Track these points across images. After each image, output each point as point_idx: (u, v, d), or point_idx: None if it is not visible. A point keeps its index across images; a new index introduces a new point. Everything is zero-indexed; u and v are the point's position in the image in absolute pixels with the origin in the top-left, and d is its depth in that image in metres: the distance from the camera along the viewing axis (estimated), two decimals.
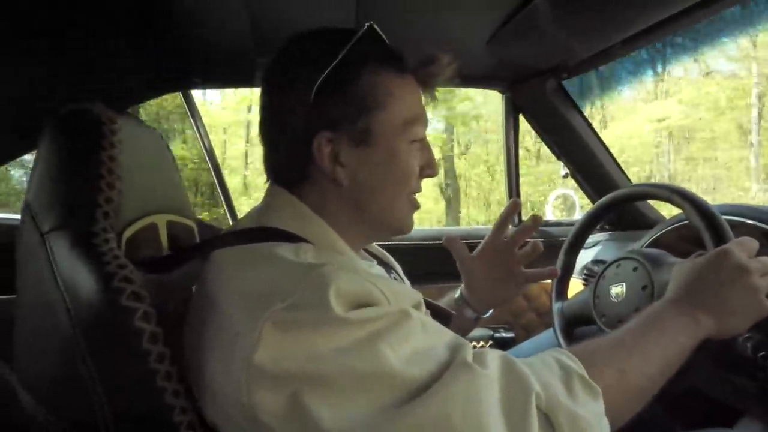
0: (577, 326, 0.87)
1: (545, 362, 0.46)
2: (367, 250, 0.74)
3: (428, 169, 0.59)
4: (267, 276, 0.46)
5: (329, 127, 0.52)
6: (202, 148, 1.44)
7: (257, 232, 0.53)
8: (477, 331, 1.30)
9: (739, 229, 0.73)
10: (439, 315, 0.66)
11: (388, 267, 0.76)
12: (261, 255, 0.49)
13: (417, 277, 1.36)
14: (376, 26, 0.56)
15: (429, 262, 1.39)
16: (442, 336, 0.46)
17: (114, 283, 0.44)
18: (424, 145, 0.59)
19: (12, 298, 0.51)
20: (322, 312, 0.41)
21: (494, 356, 0.44)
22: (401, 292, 0.50)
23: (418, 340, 0.43)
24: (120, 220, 0.55)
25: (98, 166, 0.51)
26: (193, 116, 1.39)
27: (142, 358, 0.43)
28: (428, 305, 0.61)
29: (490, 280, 0.75)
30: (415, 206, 0.61)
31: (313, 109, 0.52)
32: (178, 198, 0.75)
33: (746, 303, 0.57)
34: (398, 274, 0.78)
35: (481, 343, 1.30)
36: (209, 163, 1.47)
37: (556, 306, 0.90)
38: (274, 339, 0.41)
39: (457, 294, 0.79)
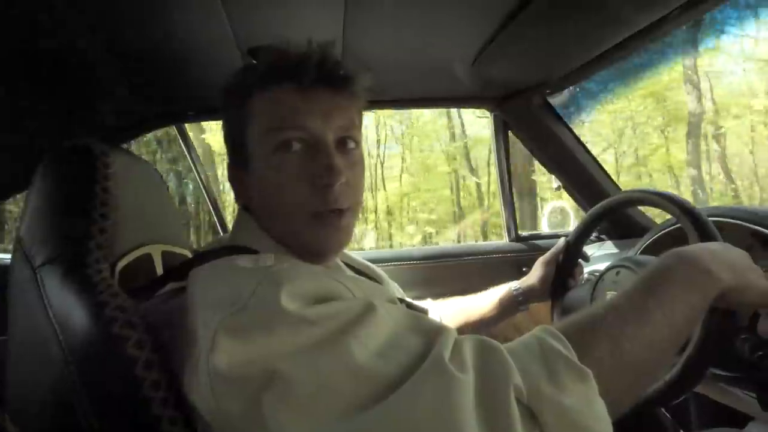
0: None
1: (527, 346, 0.42)
2: (347, 264, 0.73)
3: (318, 178, 0.53)
4: (224, 285, 0.47)
5: (231, 154, 0.60)
6: (198, 179, 1.46)
7: (224, 249, 0.56)
8: None
9: (728, 229, 0.74)
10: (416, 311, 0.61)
11: (371, 279, 0.76)
12: (222, 268, 0.51)
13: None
14: (254, 54, 0.60)
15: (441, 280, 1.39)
16: (415, 323, 0.43)
17: (106, 312, 0.44)
18: (310, 155, 0.53)
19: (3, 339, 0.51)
20: (273, 312, 0.41)
21: (471, 346, 0.40)
22: (370, 288, 0.49)
23: (388, 331, 0.41)
24: (114, 251, 0.55)
25: (91, 198, 0.52)
26: (188, 149, 1.41)
27: (136, 386, 0.43)
28: (403, 302, 0.59)
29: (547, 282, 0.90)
30: (329, 223, 0.54)
31: (226, 141, 0.60)
32: (173, 228, 0.76)
33: (758, 280, 0.54)
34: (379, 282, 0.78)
35: None
36: (205, 194, 1.49)
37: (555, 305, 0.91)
38: (226, 344, 0.40)
39: (516, 287, 0.91)
